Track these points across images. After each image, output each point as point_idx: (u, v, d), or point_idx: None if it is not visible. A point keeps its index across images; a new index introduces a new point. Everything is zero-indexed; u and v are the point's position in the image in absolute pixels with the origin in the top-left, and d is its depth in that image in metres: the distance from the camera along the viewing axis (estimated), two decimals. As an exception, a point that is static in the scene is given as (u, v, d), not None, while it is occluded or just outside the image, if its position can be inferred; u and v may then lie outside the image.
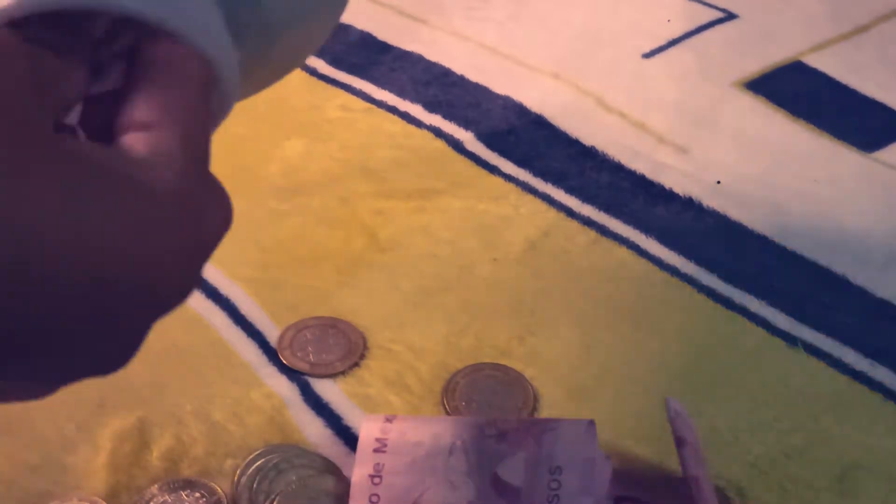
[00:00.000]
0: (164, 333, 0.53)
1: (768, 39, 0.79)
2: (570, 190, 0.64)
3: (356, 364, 0.52)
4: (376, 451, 0.43)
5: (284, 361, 0.52)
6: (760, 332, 0.54)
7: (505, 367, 0.52)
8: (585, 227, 0.61)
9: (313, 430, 0.48)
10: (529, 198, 0.64)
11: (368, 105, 0.72)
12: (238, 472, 0.46)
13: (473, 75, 0.75)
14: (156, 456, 0.47)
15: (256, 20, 0.34)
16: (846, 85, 0.73)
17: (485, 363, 0.52)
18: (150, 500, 0.44)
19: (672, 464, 0.46)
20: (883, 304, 0.56)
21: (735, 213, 0.62)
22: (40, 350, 0.24)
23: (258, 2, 0.34)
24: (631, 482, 0.45)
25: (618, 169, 0.66)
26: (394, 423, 0.44)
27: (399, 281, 0.56)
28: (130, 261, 0.25)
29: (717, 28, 0.80)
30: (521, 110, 0.71)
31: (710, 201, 0.63)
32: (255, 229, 0.60)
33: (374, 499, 0.43)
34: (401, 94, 0.73)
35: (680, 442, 0.43)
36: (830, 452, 0.48)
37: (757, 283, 0.57)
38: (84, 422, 0.48)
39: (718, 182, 0.65)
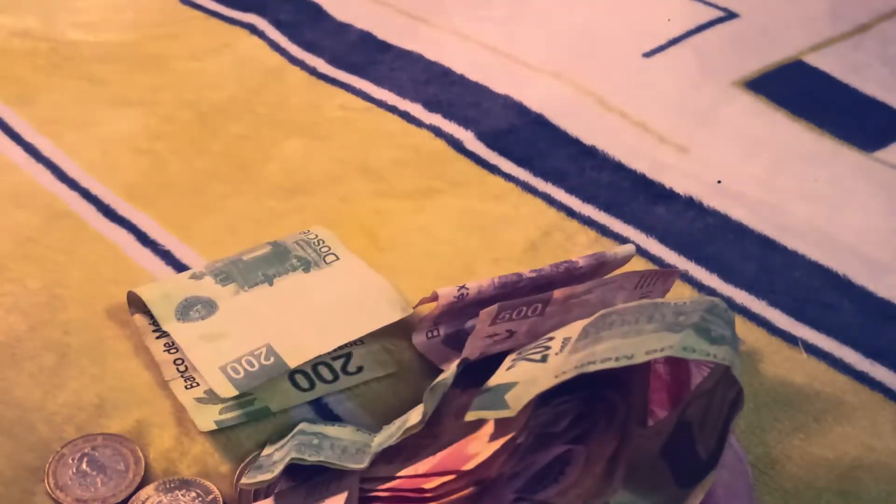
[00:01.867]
0: (164, 333, 0.53)
1: (769, 39, 0.79)
2: (570, 189, 0.64)
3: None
4: None
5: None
6: (761, 331, 0.54)
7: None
8: (586, 227, 0.61)
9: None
10: (529, 197, 0.64)
11: (368, 104, 0.72)
12: (237, 472, 0.46)
13: (473, 74, 0.75)
14: (154, 457, 0.46)
15: None
16: (847, 84, 0.73)
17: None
18: (146, 500, 0.44)
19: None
20: (884, 303, 0.56)
21: (735, 212, 0.62)
22: None
23: None
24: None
25: (618, 168, 0.66)
26: None
27: (399, 281, 0.56)
28: None
29: (718, 27, 0.80)
30: (521, 109, 0.71)
31: (711, 201, 0.63)
32: (254, 229, 0.60)
33: None
34: (401, 93, 0.73)
35: None
36: (831, 453, 0.48)
37: (757, 283, 0.57)
38: (83, 423, 0.48)
39: (719, 182, 0.65)
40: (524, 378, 0.40)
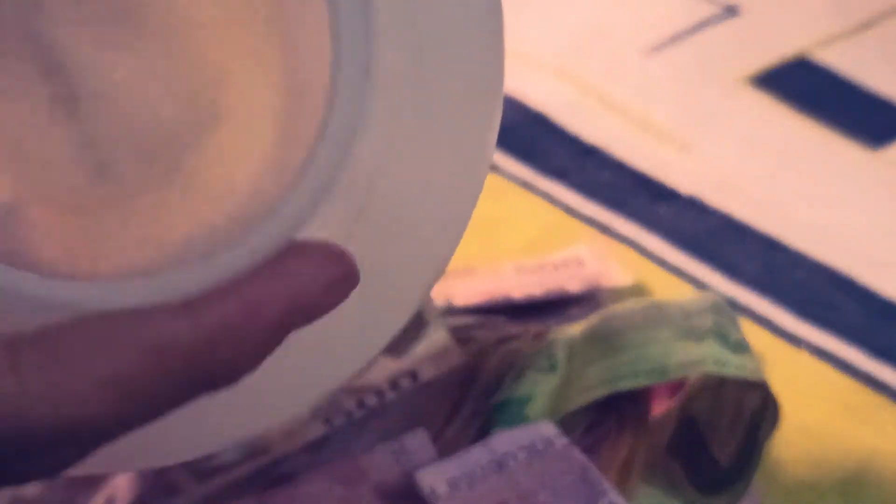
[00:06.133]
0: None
1: (773, 35, 0.78)
2: (571, 188, 0.64)
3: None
4: None
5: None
6: (764, 332, 0.54)
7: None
8: (586, 226, 0.61)
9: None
10: (530, 196, 0.63)
11: (368, 102, 0.72)
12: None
13: (474, 72, 0.74)
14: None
15: None
16: (853, 81, 0.73)
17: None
18: None
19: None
20: (889, 304, 0.56)
21: (739, 211, 0.62)
22: None
23: None
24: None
25: (620, 167, 0.66)
26: None
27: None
28: None
29: (722, 24, 0.79)
30: (521, 107, 0.71)
31: (714, 199, 0.63)
32: (251, 228, 0.60)
33: None
34: (400, 91, 0.73)
35: None
36: (835, 455, 0.47)
37: (761, 283, 0.57)
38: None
39: (722, 180, 0.64)
40: (537, 391, 0.39)
